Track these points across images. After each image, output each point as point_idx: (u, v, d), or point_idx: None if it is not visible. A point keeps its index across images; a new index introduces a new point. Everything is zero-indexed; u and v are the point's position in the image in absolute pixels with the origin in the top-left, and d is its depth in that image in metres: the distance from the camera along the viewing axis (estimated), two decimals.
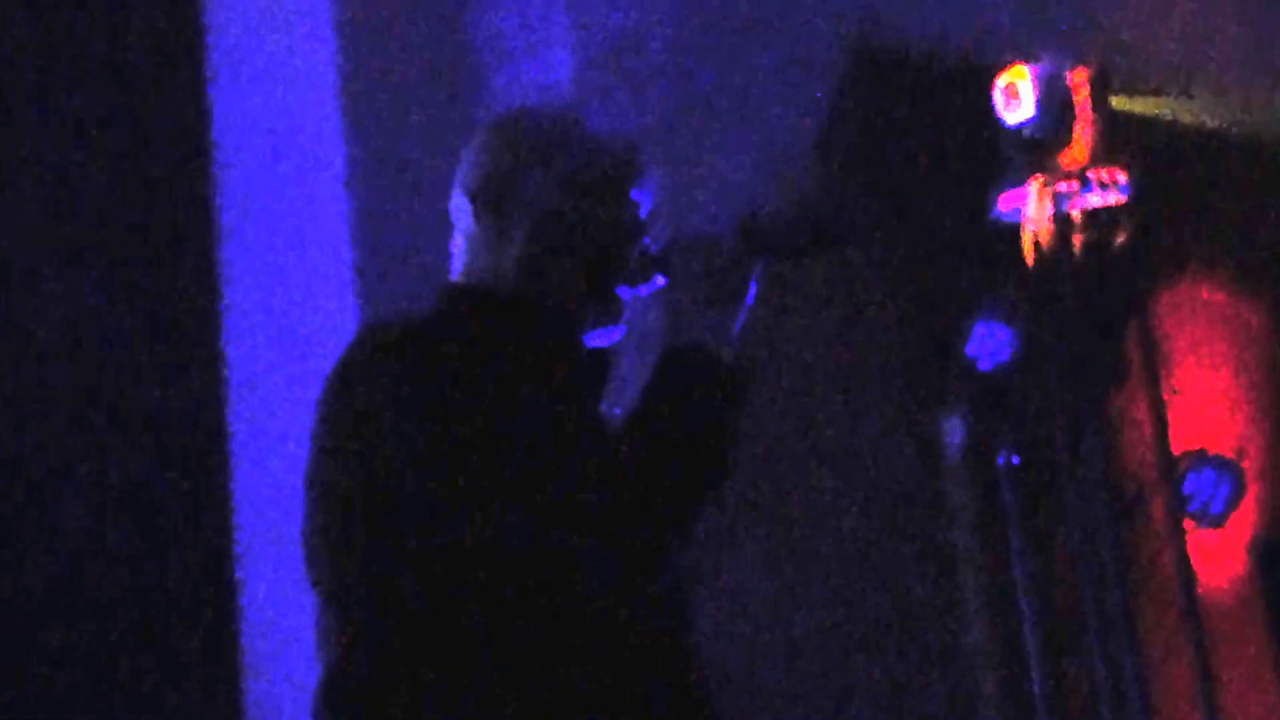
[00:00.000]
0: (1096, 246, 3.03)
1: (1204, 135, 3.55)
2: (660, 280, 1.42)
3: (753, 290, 1.38)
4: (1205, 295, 3.36)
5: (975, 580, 3.29)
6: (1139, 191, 2.95)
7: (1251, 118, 3.61)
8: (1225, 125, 3.62)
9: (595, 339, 1.41)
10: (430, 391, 1.31)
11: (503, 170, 1.43)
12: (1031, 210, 3.00)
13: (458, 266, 1.46)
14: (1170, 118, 3.34)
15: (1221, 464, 3.18)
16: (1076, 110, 2.99)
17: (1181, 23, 3.34)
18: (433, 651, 1.24)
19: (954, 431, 3.06)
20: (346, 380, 1.33)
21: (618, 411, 1.38)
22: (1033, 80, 2.98)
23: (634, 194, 1.44)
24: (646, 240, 1.42)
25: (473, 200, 1.42)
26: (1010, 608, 3.17)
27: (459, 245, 1.46)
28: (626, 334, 1.47)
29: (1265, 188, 3.38)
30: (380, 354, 1.35)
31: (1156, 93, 3.25)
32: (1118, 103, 3.06)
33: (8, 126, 2.68)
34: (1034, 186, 2.98)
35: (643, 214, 1.45)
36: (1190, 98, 3.41)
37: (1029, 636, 3.14)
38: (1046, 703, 3.06)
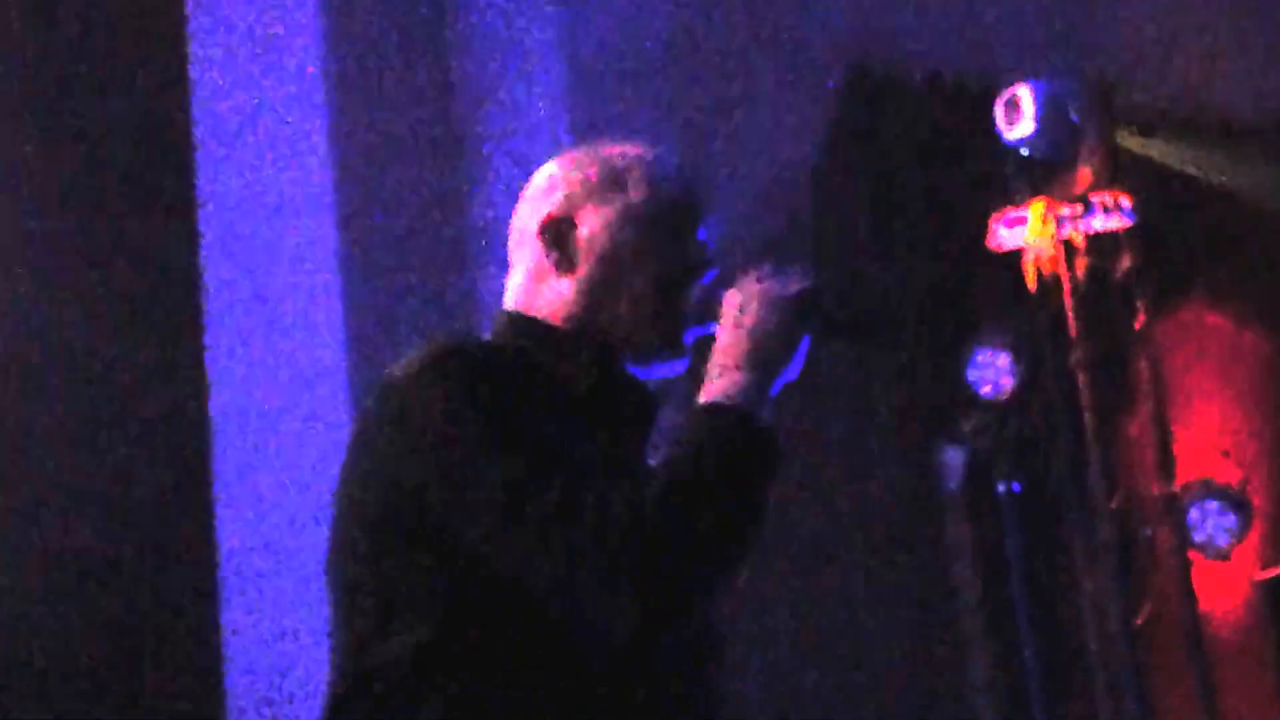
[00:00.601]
0: (1099, 271, 3.06)
1: (1209, 162, 3.53)
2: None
3: (799, 365, 1.35)
4: (1210, 321, 3.31)
5: (976, 611, 3.24)
6: (1143, 216, 2.94)
7: (1257, 146, 3.60)
8: (1231, 153, 3.61)
9: (658, 371, 1.41)
10: (493, 417, 1.29)
11: (571, 204, 1.42)
12: (1033, 233, 3.01)
13: (518, 299, 1.46)
14: (1175, 146, 3.30)
15: (1227, 494, 3.12)
16: (1079, 130, 3.00)
17: (1186, 55, 3.32)
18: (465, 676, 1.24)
19: (954, 459, 3.01)
20: (407, 402, 1.32)
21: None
22: (1035, 96, 2.96)
23: (699, 231, 1.44)
24: (709, 277, 1.41)
25: (541, 234, 1.43)
26: (1012, 640, 3.14)
27: (521, 279, 1.46)
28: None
29: (1271, 213, 3.35)
30: (445, 379, 1.33)
31: (1162, 118, 3.21)
32: (1123, 136, 3.05)
33: None
34: (1035, 209, 2.96)
35: (707, 251, 1.46)
36: (1197, 128, 3.39)
37: (1031, 670, 3.09)
38: None
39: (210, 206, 3.03)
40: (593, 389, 1.38)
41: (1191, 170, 3.47)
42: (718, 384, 1.29)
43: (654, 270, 1.40)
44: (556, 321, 1.41)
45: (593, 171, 1.47)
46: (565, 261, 1.40)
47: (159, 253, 3.03)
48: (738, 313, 1.35)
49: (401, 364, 1.35)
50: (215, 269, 3.01)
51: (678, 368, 1.44)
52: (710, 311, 1.37)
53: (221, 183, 3.04)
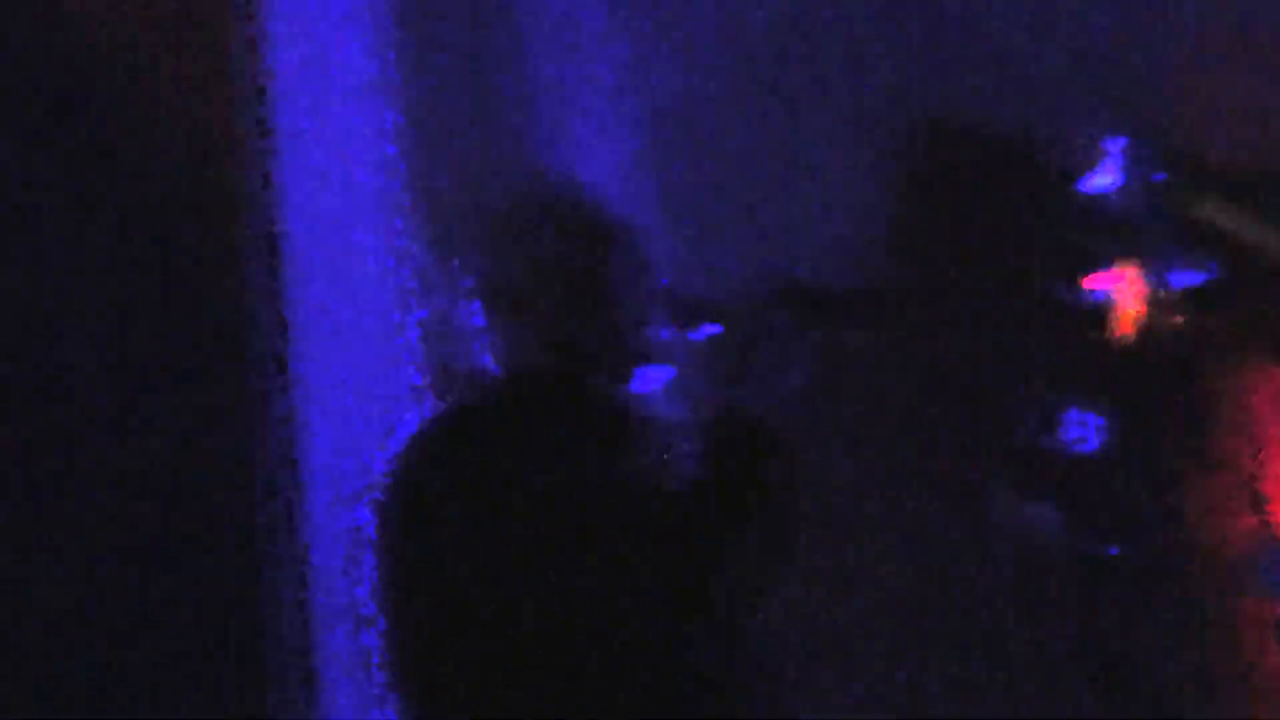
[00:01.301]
0: (1190, 328, 3.12)
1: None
2: (715, 328, 1.65)
3: (805, 362, 1.63)
4: None
5: (1057, 669, 3.25)
6: (1233, 270, 2.98)
7: None
8: None
9: (641, 382, 1.49)
10: (489, 478, 1.45)
11: (504, 262, 1.59)
12: (1120, 288, 3.07)
13: (490, 360, 1.59)
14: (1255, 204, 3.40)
15: None
16: (1163, 187, 3.07)
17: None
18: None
19: (1045, 519, 3.03)
20: (412, 479, 1.49)
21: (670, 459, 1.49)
22: (1116, 146, 2.99)
23: (625, 240, 1.57)
24: (665, 282, 1.58)
25: (483, 300, 1.56)
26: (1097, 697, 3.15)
27: (489, 343, 1.60)
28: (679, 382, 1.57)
29: None
30: (439, 455, 1.52)
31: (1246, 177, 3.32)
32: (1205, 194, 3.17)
33: None
34: (1120, 263, 3.04)
35: (641, 255, 1.58)
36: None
37: None
38: None
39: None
40: (578, 412, 1.57)
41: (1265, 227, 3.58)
42: None
43: (590, 277, 1.59)
44: (523, 366, 1.66)
45: (515, 226, 1.71)
46: (514, 310, 1.66)
47: None
48: None
49: None
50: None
51: (660, 373, 1.56)
52: (690, 317, 1.67)
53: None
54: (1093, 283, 2.95)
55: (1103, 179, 2.97)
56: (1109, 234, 3.04)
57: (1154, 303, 2.94)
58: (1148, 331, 2.97)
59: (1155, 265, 2.95)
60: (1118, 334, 2.96)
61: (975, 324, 3.49)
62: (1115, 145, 2.92)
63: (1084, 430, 2.94)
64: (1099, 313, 2.98)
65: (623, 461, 1.48)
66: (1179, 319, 2.98)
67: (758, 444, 1.46)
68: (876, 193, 3.58)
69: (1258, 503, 3.08)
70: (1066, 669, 3.38)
